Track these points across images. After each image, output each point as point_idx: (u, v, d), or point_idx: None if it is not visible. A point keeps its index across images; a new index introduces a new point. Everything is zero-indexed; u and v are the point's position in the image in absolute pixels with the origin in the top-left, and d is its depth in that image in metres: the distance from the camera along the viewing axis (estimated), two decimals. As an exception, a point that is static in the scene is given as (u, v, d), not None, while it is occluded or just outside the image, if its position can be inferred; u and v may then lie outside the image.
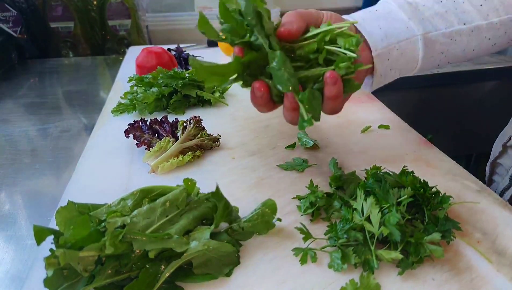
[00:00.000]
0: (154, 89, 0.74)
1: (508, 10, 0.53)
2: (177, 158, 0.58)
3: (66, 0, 1.24)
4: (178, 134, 0.61)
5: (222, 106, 0.80)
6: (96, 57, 1.29)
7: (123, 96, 0.77)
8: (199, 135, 0.62)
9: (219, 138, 0.64)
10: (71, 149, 0.74)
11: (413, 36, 0.51)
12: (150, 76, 0.76)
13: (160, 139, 0.60)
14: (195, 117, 0.63)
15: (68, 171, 0.63)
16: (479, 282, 0.39)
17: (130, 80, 0.78)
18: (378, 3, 0.55)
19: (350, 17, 0.52)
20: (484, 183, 0.53)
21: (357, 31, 0.51)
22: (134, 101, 0.74)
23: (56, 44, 1.29)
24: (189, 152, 0.59)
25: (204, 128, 0.64)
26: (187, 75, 0.78)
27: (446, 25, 0.51)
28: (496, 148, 0.66)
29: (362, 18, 0.51)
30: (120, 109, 0.75)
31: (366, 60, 0.49)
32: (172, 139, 0.60)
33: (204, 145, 0.62)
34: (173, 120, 0.63)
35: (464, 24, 0.52)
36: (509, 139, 0.62)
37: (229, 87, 0.85)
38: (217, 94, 0.80)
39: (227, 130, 0.69)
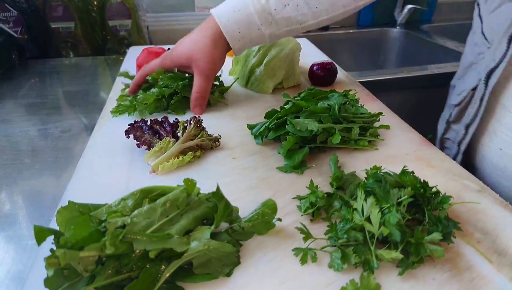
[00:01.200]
0: (154, 90, 0.74)
1: (335, 11, 0.69)
2: (178, 158, 0.58)
3: (66, 0, 1.24)
4: (179, 134, 0.61)
5: (222, 106, 0.80)
6: (97, 57, 1.29)
7: (119, 98, 0.77)
8: (199, 135, 0.62)
9: (220, 138, 0.64)
10: (71, 149, 0.74)
11: (263, 36, 0.69)
12: (150, 78, 0.76)
13: (161, 140, 0.60)
14: (195, 117, 0.63)
15: (68, 171, 0.63)
16: (480, 282, 0.39)
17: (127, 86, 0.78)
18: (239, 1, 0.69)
19: (217, 13, 0.69)
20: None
21: (219, 27, 0.68)
22: (134, 102, 0.74)
23: (57, 44, 1.29)
24: (190, 153, 0.59)
25: (205, 128, 0.64)
26: (187, 75, 0.78)
27: (287, 24, 0.69)
28: (441, 126, 0.78)
29: (227, 20, 0.68)
30: (119, 110, 0.75)
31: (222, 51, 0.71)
32: (172, 140, 0.60)
33: (204, 145, 0.62)
34: (173, 121, 0.64)
35: (300, 24, 0.69)
36: (450, 115, 0.72)
37: (230, 87, 0.85)
38: (216, 94, 0.80)
39: (227, 130, 0.69)
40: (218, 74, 0.84)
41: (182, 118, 0.72)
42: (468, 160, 0.67)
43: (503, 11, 0.58)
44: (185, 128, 0.62)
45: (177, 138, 0.61)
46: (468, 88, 0.65)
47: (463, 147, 0.67)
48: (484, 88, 0.60)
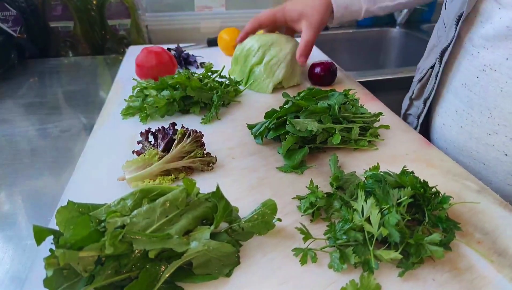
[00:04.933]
0: (166, 93, 0.72)
1: None
2: (154, 180, 0.52)
3: (65, 0, 1.24)
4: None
5: (222, 106, 0.79)
6: (96, 57, 1.28)
7: (129, 98, 0.76)
8: (193, 154, 0.55)
9: (215, 162, 0.58)
10: (71, 149, 0.74)
11: (360, 11, 0.84)
12: (171, 81, 0.74)
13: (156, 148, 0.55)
14: (195, 131, 0.57)
15: (68, 171, 0.63)
16: (480, 283, 0.39)
17: (134, 88, 0.77)
18: None
19: None
20: None
21: None
22: (145, 105, 0.72)
23: (56, 43, 1.29)
24: (171, 176, 0.53)
25: (203, 145, 0.58)
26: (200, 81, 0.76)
27: (382, 1, 0.83)
28: (405, 103, 0.84)
29: None
30: (129, 112, 0.74)
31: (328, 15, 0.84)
32: (160, 153, 0.54)
33: (194, 167, 0.56)
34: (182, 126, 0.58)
35: (391, 1, 0.83)
36: (413, 93, 0.79)
37: (243, 90, 0.86)
38: (232, 94, 0.80)
39: (227, 130, 0.69)
40: (233, 77, 0.85)
41: (191, 119, 0.71)
42: (431, 141, 0.73)
43: (458, 0, 0.64)
44: (181, 139, 0.55)
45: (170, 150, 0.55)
46: (428, 66, 0.72)
47: (421, 119, 0.74)
48: (438, 66, 0.67)
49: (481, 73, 0.59)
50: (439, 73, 0.67)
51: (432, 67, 0.70)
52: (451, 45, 0.63)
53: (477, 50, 0.60)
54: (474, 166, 0.63)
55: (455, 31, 0.62)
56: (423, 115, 0.73)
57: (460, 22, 0.61)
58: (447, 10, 0.69)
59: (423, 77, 0.74)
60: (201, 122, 0.72)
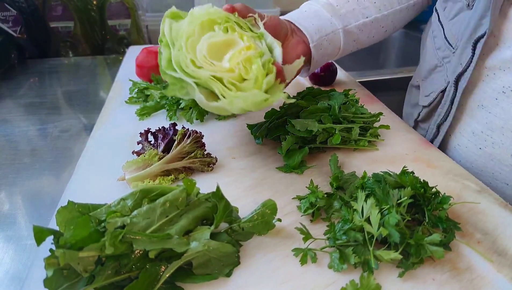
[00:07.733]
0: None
1: (392, 4, 0.74)
2: (154, 181, 0.52)
3: (65, 0, 1.24)
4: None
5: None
6: (96, 57, 1.29)
7: (128, 100, 0.75)
8: (193, 154, 0.56)
9: (215, 162, 0.58)
10: (70, 149, 0.74)
11: (336, 30, 0.69)
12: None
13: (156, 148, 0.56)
14: (196, 132, 0.57)
15: (68, 171, 0.63)
16: (480, 283, 0.39)
17: (132, 90, 0.76)
18: (303, 5, 0.72)
19: (288, 17, 0.69)
20: None
21: (296, 28, 0.67)
22: (169, 105, 0.73)
23: (56, 44, 1.29)
24: (171, 176, 0.53)
25: (203, 145, 0.58)
26: None
27: (355, 19, 0.71)
28: (409, 123, 0.81)
29: (297, 17, 0.68)
30: (145, 113, 0.74)
31: (304, 52, 0.66)
32: (160, 154, 0.54)
33: (194, 168, 0.56)
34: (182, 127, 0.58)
35: (367, 17, 0.72)
36: (418, 115, 0.75)
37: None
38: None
39: (227, 130, 0.69)
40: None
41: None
42: None
43: (462, 18, 0.61)
44: (181, 140, 0.56)
45: (170, 151, 0.55)
46: (437, 91, 0.67)
47: (436, 144, 0.70)
48: (454, 91, 0.63)
49: (500, 95, 0.56)
50: (457, 98, 0.63)
51: (443, 91, 0.66)
52: (467, 70, 0.60)
53: (493, 72, 0.57)
54: (496, 186, 0.60)
55: (472, 55, 0.58)
56: (437, 140, 0.69)
57: (480, 46, 0.57)
58: (449, 29, 0.66)
59: (432, 102, 0.69)
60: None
